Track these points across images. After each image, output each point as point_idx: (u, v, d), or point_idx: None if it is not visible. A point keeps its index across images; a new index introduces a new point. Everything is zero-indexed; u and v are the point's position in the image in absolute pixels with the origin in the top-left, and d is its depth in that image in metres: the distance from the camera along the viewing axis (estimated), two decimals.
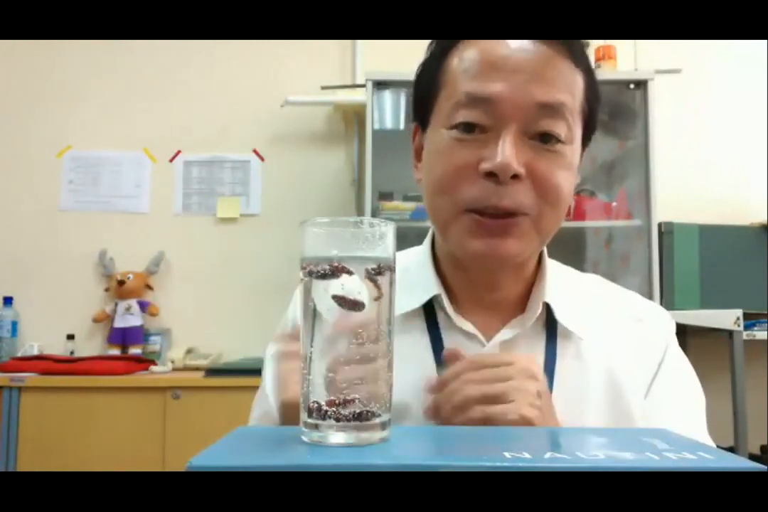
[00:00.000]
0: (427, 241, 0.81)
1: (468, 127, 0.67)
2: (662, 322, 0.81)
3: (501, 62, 0.67)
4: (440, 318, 0.75)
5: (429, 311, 0.75)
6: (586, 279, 0.84)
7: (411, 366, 0.71)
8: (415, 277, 0.77)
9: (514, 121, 0.66)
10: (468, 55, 0.69)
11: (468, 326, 0.74)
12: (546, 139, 0.67)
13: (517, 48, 0.67)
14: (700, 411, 0.78)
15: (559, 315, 0.74)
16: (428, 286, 0.75)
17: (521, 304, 0.76)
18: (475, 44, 0.69)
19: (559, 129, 0.67)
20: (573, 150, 0.70)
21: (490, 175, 0.66)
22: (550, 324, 0.75)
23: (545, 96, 0.66)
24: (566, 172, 0.69)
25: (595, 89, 0.72)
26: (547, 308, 0.74)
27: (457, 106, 0.68)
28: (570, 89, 0.68)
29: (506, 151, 0.65)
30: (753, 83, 2.69)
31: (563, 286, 0.77)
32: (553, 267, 0.79)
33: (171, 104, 2.71)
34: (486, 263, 0.71)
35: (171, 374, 2.29)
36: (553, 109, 0.66)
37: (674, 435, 0.52)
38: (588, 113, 0.72)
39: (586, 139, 0.74)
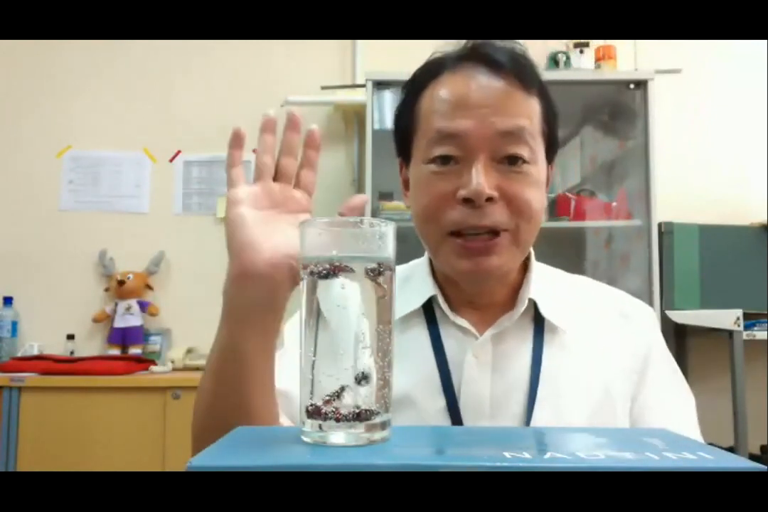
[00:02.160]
0: (426, 254, 0.87)
1: (443, 160, 0.76)
2: (647, 319, 0.88)
3: (464, 101, 0.76)
4: (438, 316, 0.83)
5: (428, 311, 0.84)
6: (573, 279, 0.92)
7: (413, 359, 0.80)
8: (416, 284, 0.86)
9: (482, 150, 0.74)
10: (436, 96, 0.78)
11: (462, 321, 0.82)
12: (512, 161, 0.75)
13: (477, 86, 0.76)
14: (692, 412, 0.84)
15: (544, 310, 0.81)
16: (426, 289, 0.84)
17: (510, 304, 0.83)
18: (441, 86, 0.78)
19: (523, 151, 0.75)
20: (538, 168, 0.78)
21: (467, 200, 0.74)
22: (538, 320, 0.82)
23: (506, 124, 0.74)
24: (534, 189, 0.77)
25: (551, 109, 0.81)
26: (534, 306, 0.82)
27: (431, 143, 0.77)
28: (527, 115, 0.76)
29: (478, 179, 0.73)
30: (753, 83, 2.69)
31: (549, 285, 0.85)
32: (539, 270, 0.86)
33: (171, 104, 2.71)
34: (474, 278, 0.79)
35: (171, 374, 2.29)
36: (514, 135, 0.75)
37: (674, 435, 0.52)
38: (548, 132, 0.80)
39: (551, 155, 0.82)
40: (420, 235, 0.81)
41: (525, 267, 0.85)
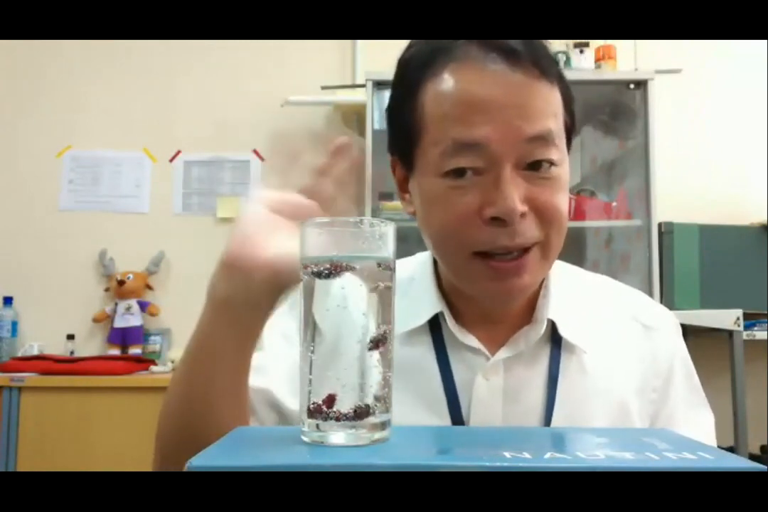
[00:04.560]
0: (429, 254, 0.80)
1: (460, 172, 0.65)
2: (670, 330, 0.80)
3: (483, 102, 0.64)
4: (445, 333, 0.75)
5: (434, 326, 0.75)
6: (591, 282, 0.84)
7: (418, 381, 0.73)
8: (420, 291, 0.77)
9: (508, 159, 0.64)
10: (445, 96, 0.66)
11: (472, 341, 0.74)
12: (539, 166, 0.66)
13: (495, 83, 0.65)
14: (711, 432, 0.79)
15: (563, 330, 0.74)
16: (432, 303, 0.75)
17: (525, 314, 0.75)
18: (448, 82, 0.66)
19: (551, 154, 0.66)
20: (564, 168, 0.69)
21: (496, 218, 0.65)
22: (554, 338, 0.74)
23: (533, 129, 0.64)
24: (563, 193, 0.68)
25: (569, 92, 0.71)
26: (552, 322, 0.74)
27: (445, 154, 0.66)
28: (554, 112, 0.67)
29: (509, 194, 0.63)
30: (753, 83, 2.69)
31: (568, 295, 0.77)
32: (558, 275, 0.77)
33: (171, 104, 2.71)
34: (503, 299, 0.71)
35: (171, 374, 2.29)
36: (542, 139, 0.65)
37: (674, 435, 0.52)
38: (570, 123, 0.71)
39: (569, 144, 0.72)
40: (437, 254, 0.73)
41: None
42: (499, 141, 0.64)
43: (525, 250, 0.67)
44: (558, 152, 0.67)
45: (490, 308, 0.75)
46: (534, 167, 0.66)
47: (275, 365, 0.76)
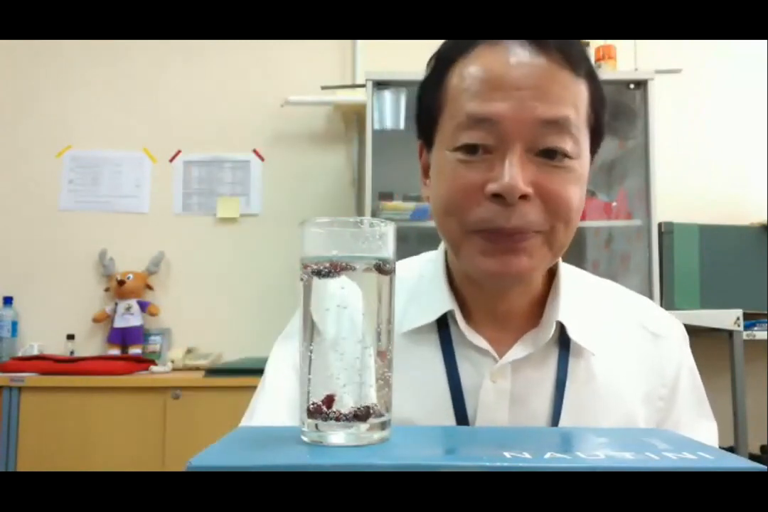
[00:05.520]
0: (441, 251, 0.80)
1: (472, 149, 0.66)
2: (677, 339, 0.80)
3: (501, 80, 0.65)
4: (453, 332, 0.74)
5: (442, 325, 0.74)
6: (599, 286, 0.83)
7: (423, 382, 0.72)
8: (430, 288, 0.77)
9: (519, 139, 0.64)
10: (467, 73, 0.68)
11: (481, 341, 0.73)
12: (552, 154, 0.65)
13: (517, 63, 0.66)
14: (714, 442, 0.78)
15: (572, 333, 0.73)
16: (442, 301, 0.74)
17: (533, 316, 0.75)
18: (473, 61, 0.68)
19: (565, 144, 0.65)
20: (581, 163, 0.68)
21: (497, 196, 0.64)
22: (563, 341, 0.74)
23: (548, 112, 0.64)
24: (576, 186, 0.67)
25: (600, 94, 0.71)
26: (560, 325, 0.73)
27: (459, 128, 0.67)
28: (573, 102, 0.66)
29: (512, 172, 0.63)
30: (753, 83, 2.69)
31: (577, 298, 0.76)
32: (567, 277, 0.77)
33: (171, 104, 2.71)
34: (500, 281, 0.70)
35: (171, 374, 2.29)
36: (557, 125, 0.65)
37: (674, 435, 0.52)
38: (594, 121, 0.70)
39: (595, 147, 0.72)
40: (439, 229, 0.72)
41: (549, 275, 0.76)
42: (512, 119, 0.64)
43: (525, 233, 0.66)
44: (574, 144, 0.66)
45: (492, 293, 0.73)
46: (547, 155, 0.65)
47: (270, 403, 0.75)
